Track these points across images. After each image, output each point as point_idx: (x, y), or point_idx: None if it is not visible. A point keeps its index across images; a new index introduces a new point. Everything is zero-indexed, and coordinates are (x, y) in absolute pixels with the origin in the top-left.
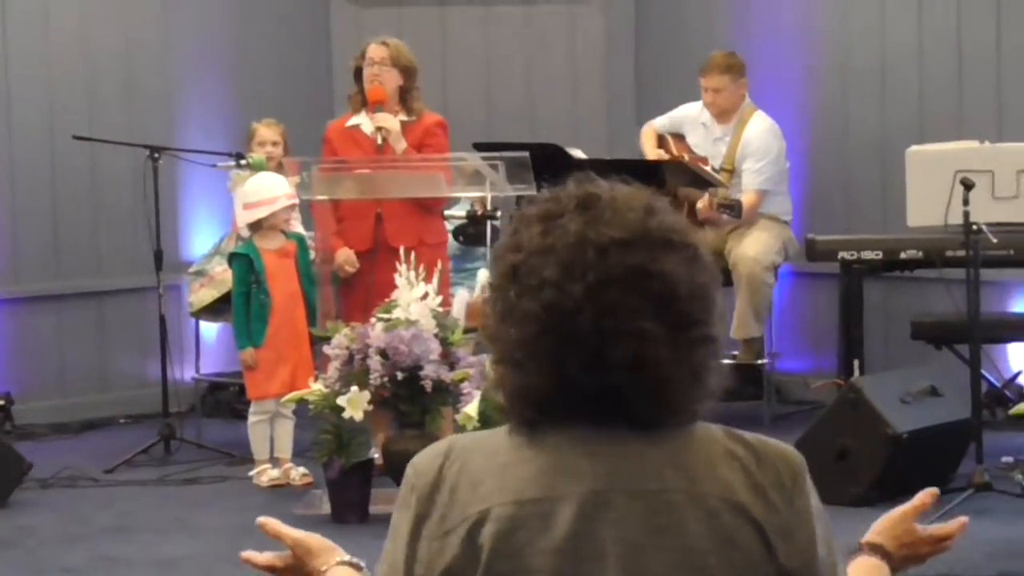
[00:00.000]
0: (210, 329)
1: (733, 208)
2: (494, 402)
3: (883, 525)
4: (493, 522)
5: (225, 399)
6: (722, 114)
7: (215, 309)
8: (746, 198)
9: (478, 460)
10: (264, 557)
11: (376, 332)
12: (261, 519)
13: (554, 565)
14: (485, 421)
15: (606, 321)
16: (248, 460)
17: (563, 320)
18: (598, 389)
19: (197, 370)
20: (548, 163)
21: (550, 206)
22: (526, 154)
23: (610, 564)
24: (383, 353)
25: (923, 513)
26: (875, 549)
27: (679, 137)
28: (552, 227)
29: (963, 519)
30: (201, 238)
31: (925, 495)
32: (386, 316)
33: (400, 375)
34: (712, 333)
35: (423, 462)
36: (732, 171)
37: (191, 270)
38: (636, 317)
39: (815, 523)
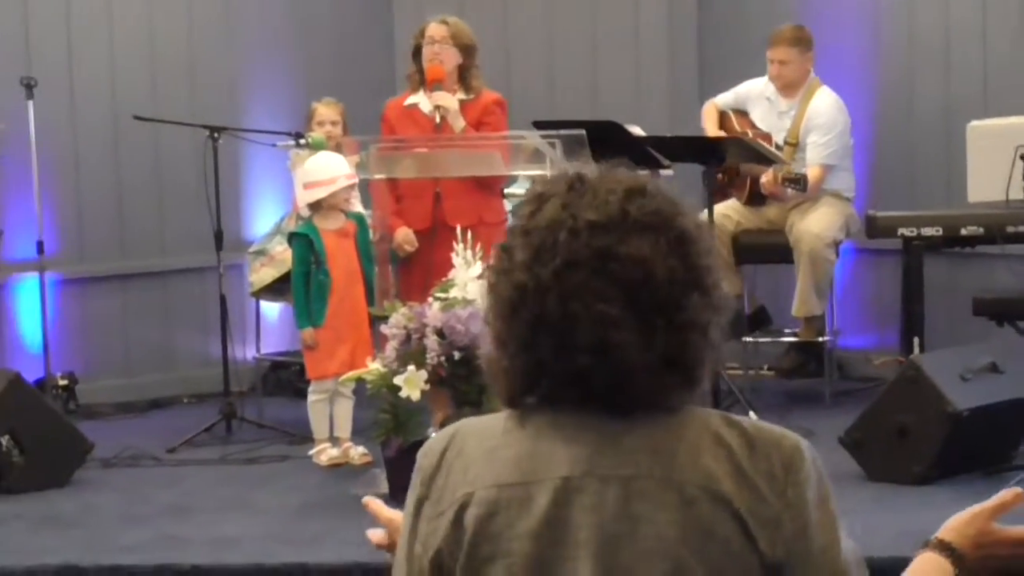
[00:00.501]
0: (272, 309)
1: (799, 182)
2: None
3: (956, 522)
4: (475, 505)
5: (287, 378)
6: (787, 87)
7: (276, 289)
8: (811, 172)
9: (473, 443)
10: (378, 535)
11: (433, 311)
12: (365, 499)
13: (531, 549)
14: None
15: (572, 304)
16: (308, 439)
17: (532, 302)
18: (569, 372)
19: (258, 349)
20: (607, 141)
21: (543, 188)
22: (582, 132)
23: (584, 550)
24: (440, 332)
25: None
26: (943, 547)
27: (742, 114)
28: (536, 211)
29: (1017, 489)
30: (262, 218)
31: (1008, 493)
32: (443, 295)
33: (457, 354)
34: (696, 319)
35: (431, 445)
36: (796, 145)
37: (251, 250)
38: (601, 301)
39: (810, 513)
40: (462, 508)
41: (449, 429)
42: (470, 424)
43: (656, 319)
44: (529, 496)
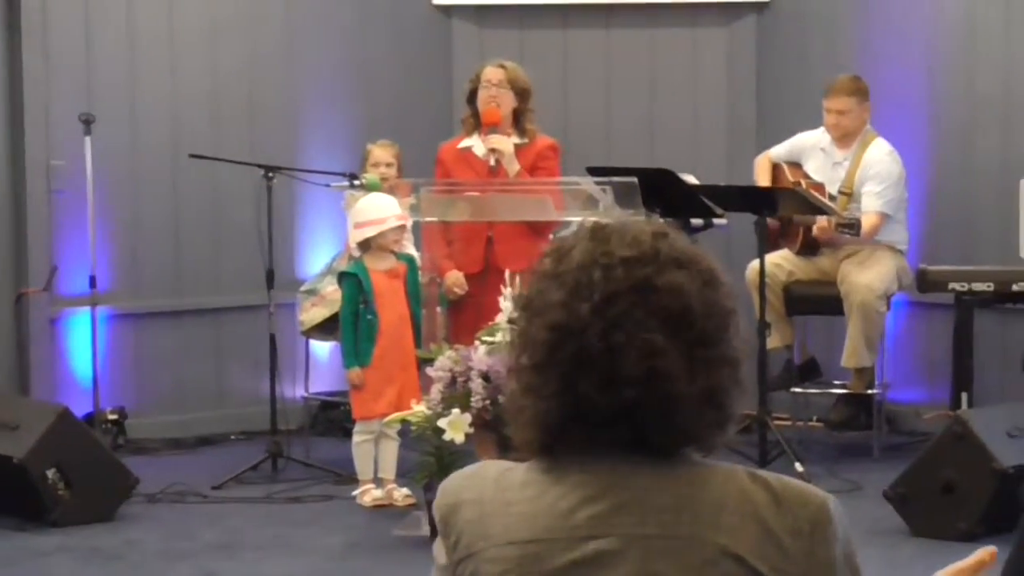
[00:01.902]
0: (322, 348)
1: (852, 226)
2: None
3: None
4: (489, 562)
5: (337, 418)
6: (844, 137)
7: (326, 328)
8: (867, 220)
9: (491, 493)
10: None
11: (479, 355)
12: None
13: None
14: None
15: (614, 336)
16: (354, 480)
17: (571, 339)
18: (612, 408)
19: (307, 389)
20: (661, 189)
21: (563, 241)
22: (635, 179)
23: None
24: (485, 376)
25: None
26: None
27: (796, 165)
28: (562, 256)
29: (991, 548)
30: (315, 257)
31: (984, 552)
32: (489, 339)
33: (502, 398)
34: (730, 354)
35: (449, 484)
36: (850, 195)
37: (303, 289)
38: (645, 331)
39: (836, 572)
40: (478, 562)
41: (469, 469)
42: (492, 469)
43: (696, 350)
44: (546, 554)
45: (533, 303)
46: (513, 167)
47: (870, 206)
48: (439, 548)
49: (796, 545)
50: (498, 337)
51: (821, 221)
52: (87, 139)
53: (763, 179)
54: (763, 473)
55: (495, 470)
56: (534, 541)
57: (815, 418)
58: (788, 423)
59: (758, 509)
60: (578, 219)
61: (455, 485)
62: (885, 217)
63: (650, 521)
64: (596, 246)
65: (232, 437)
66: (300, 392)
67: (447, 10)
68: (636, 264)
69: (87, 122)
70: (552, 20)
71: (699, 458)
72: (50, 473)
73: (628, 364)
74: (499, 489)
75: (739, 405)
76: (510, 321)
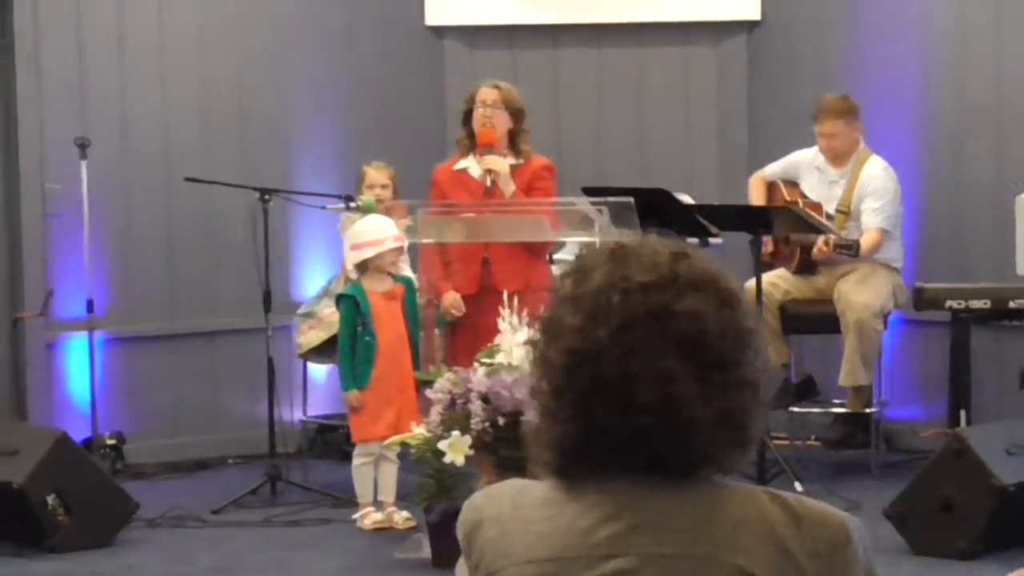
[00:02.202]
0: (320, 371)
1: (851, 248)
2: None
3: None
4: None
5: (335, 441)
6: (837, 158)
7: (323, 351)
8: (868, 236)
9: (509, 511)
10: None
11: (478, 377)
12: None
13: None
14: None
15: (630, 363)
16: (353, 503)
17: (587, 364)
18: (627, 434)
19: (305, 412)
20: (656, 208)
21: (584, 261)
22: (630, 199)
23: None
24: (485, 398)
25: None
26: None
27: (792, 184)
28: (582, 278)
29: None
30: (312, 279)
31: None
32: (489, 361)
33: (502, 420)
34: (749, 376)
35: (474, 500)
36: (848, 213)
37: (300, 312)
38: (661, 358)
39: None
40: None
41: (493, 487)
42: (515, 486)
43: (713, 374)
44: (565, 573)
45: (551, 326)
46: (509, 188)
47: (870, 223)
48: (461, 567)
49: (814, 567)
50: (497, 358)
51: (820, 244)
52: (83, 163)
53: (757, 198)
54: (784, 494)
55: (512, 488)
56: (553, 560)
57: (813, 437)
58: (786, 442)
59: (776, 529)
60: (574, 239)
61: (477, 503)
62: (885, 233)
63: (666, 541)
64: (615, 269)
65: (230, 461)
66: (298, 415)
67: (439, 31)
68: (654, 290)
69: (82, 146)
70: (543, 40)
71: (718, 479)
72: (50, 499)
73: (643, 391)
74: (517, 507)
75: (759, 425)
76: (529, 343)
